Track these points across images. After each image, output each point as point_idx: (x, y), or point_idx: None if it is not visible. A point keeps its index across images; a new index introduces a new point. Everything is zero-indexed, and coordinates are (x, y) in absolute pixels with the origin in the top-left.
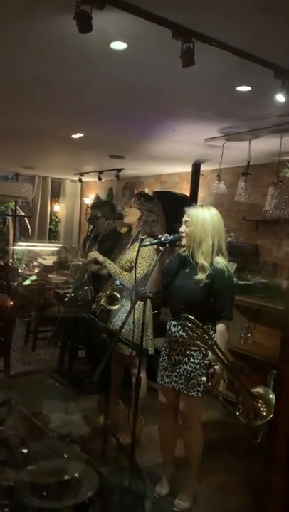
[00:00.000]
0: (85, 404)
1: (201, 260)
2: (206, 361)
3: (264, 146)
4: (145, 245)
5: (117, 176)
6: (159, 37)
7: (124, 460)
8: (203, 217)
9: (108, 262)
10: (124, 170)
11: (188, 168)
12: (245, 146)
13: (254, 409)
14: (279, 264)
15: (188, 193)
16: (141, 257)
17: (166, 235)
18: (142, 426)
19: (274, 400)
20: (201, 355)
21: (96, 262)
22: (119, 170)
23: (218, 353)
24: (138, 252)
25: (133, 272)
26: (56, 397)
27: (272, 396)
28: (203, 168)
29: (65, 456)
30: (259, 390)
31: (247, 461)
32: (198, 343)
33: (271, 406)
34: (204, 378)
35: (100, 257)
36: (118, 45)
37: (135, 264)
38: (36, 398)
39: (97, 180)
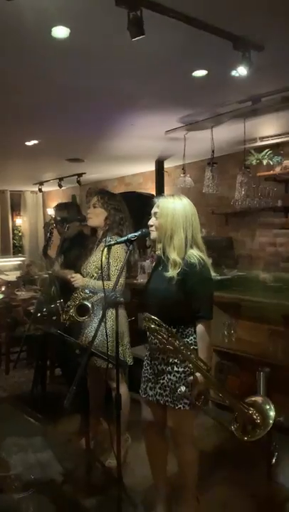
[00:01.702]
0: (63, 428)
1: (173, 255)
2: (187, 368)
3: (227, 134)
4: (111, 244)
5: (79, 182)
6: (104, 14)
7: (113, 486)
8: (174, 208)
9: (91, 282)
10: (86, 174)
11: (151, 167)
12: (208, 136)
13: (249, 421)
14: (254, 256)
15: (154, 193)
16: (114, 259)
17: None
18: (127, 445)
19: (272, 410)
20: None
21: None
22: (80, 175)
23: (193, 358)
24: (108, 254)
25: (113, 279)
26: (24, 433)
27: (269, 406)
28: (166, 165)
29: None
30: (256, 398)
31: (249, 472)
32: (170, 347)
33: (268, 417)
34: (183, 388)
35: (83, 282)
36: (60, 32)
37: (102, 268)
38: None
39: (58, 188)
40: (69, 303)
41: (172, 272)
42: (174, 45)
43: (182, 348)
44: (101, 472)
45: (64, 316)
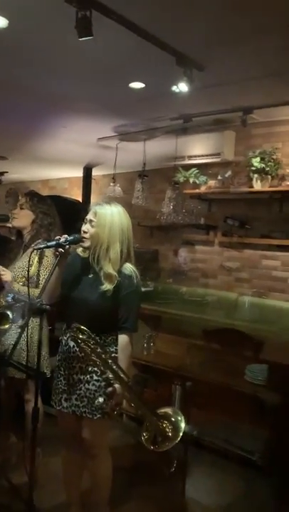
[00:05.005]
0: None
1: (108, 269)
2: (105, 379)
3: (158, 149)
4: (40, 248)
5: None
6: (49, 9)
7: (21, 506)
8: (112, 219)
9: (17, 285)
10: (8, 173)
11: (78, 173)
12: (139, 148)
13: (160, 432)
14: (176, 270)
15: (80, 199)
16: (44, 268)
17: (66, 236)
18: (38, 461)
19: (182, 422)
20: (99, 372)
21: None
22: (1, 173)
23: (116, 368)
24: (39, 261)
25: (40, 287)
26: None
27: (180, 418)
28: (94, 172)
29: None
30: (166, 410)
31: (162, 486)
32: (94, 357)
33: (179, 428)
34: (101, 399)
35: (12, 279)
36: None
37: (28, 274)
38: None
39: None
40: None
41: (107, 286)
42: (117, 52)
43: (108, 358)
44: (8, 491)
45: None
